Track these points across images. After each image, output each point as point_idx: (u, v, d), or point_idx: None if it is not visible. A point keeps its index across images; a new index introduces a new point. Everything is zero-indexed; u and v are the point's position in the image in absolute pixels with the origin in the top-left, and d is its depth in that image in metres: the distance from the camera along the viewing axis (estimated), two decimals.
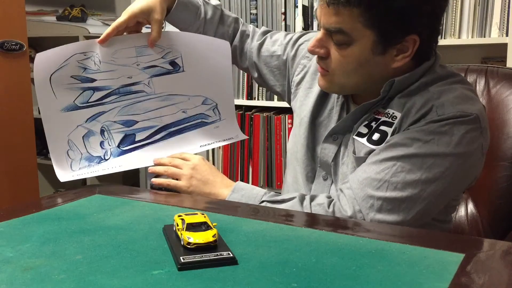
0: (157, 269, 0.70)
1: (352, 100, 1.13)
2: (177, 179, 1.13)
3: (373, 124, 1.04)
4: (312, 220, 0.93)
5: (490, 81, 1.31)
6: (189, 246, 0.74)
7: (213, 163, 2.94)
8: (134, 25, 1.17)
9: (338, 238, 0.81)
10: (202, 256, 0.72)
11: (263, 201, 1.04)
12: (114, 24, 1.14)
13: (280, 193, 1.11)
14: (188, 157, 1.16)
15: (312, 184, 1.14)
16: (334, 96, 1.15)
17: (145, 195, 1.12)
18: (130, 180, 3.83)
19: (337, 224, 0.92)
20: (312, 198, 1.01)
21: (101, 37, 1.13)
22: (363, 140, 1.03)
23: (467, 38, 2.23)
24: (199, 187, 1.11)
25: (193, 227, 0.77)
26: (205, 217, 0.80)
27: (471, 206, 1.31)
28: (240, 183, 1.10)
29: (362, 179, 0.97)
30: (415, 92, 1.01)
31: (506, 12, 2.13)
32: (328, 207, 0.98)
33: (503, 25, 2.14)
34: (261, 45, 1.31)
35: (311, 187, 1.14)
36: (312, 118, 1.16)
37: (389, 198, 0.95)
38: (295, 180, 1.19)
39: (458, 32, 2.24)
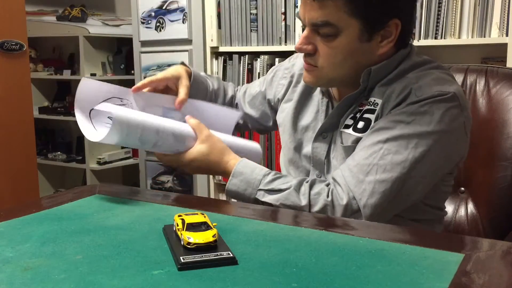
0: (157, 269, 0.70)
1: (335, 99, 1.16)
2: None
3: (358, 115, 1.07)
4: (312, 220, 0.93)
5: (490, 81, 1.31)
6: (189, 246, 0.74)
7: None
8: (162, 88, 1.22)
9: (338, 238, 0.81)
10: (202, 256, 0.72)
11: (260, 189, 1.03)
12: (149, 78, 1.20)
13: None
14: (182, 157, 1.11)
15: None
16: (317, 99, 1.18)
17: (145, 195, 1.12)
18: (130, 180, 3.83)
19: (337, 224, 0.92)
20: (311, 185, 1.01)
21: (136, 85, 1.19)
22: (349, 130, 1.07)
23: (467, 38, 2.23)
24: (200, 172, 1.16)
25: (193, 227, 0.77)
26: (205, 217, 0.80)
27: (471, 206, 1.31)
28: (240, 164, 1.07)
29: (352, 166, 1.00)
30: (394, 80, 1.05)
31: (506, 12, 2.13)
32: (328, 195, 0.99)
33: (503, 25, 2.14)
34: (244, 93, 1.38)
35: None
36: (293, 122, 1.20)
37: (379, 180, 0.97)
38: None
39: (458, 32, 2.24)
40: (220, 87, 1.38)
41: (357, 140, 1.04)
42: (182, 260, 0.70)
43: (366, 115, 1.05)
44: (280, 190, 1.02)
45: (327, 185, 1.02)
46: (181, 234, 0.76)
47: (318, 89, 1.19)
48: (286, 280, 0.66)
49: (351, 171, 1.00)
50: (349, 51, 1.03)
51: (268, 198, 1.02)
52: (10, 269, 0.70)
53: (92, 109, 1.13)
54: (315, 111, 1.18)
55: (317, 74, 1.07)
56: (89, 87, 1.14)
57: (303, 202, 0.99)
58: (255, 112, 1.35)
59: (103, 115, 1.12)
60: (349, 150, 1.05)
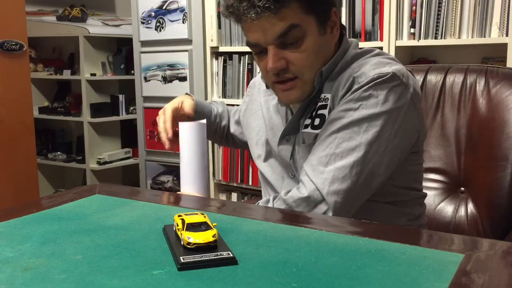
0: (157, 269, 0.70)
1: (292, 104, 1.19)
2: None
3: (314, 113, 1.11)
4: (312, 220, 0.93)
5: (490, 81, 1.31)
6: (189, 246, 0.74)
7: (213, 163, 2.94)
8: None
9: (338, 238, 0.81)
10: (202, 256, 0.72)
11: None
12: (168, 115, 1.25)
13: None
14: None
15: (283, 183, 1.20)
16: (282, 109, 1.21)
17: (145, 195, 1.12)
18: (130, 180, 3.83)
19: (337, 224, 0.92)
20: (275, 197, 1.08)
21: (167, 136, 1.23)
22: (308, 129, 1.10)
23: (467, 38, 2.23)
24: None
25: (193, 227, 0.77)
26: (205, 217, 0.80)
27: (471, 206, 1.31)
28: None
29: (312, 160, 1.05)
30: (339, 73, 1.10)
31: (506, 12, 2.13)
32: (285, 195, 1.05)
33: (503, 25, 2.14)
34: (237, 121, 1.43)
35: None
36: (269, 126, 1.23)
37: (338, 167, 1.01)
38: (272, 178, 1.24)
39: (458, 32, 2.24)
40: (224, 110, 1.44)
41: (316, 137, 1.08)
42: (182, 260, 0.70)
43: (320, 111, 1.09)
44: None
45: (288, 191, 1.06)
46: (181, 234, 0.76)
47: (275, 101, 1.22)
48: (286, 280, 0.66)
49: (312, 165, 1.04)
50: (317, 48, 1.07)
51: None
52: (10, 269, 0.70)
53: None
54: (281, 118, 1.21)
55: (300, 84, 1.09)
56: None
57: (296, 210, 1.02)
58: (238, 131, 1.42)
59: None
60: (311, 148, 1.08)
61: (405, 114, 1.04)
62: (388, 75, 1.03)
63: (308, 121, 1.11)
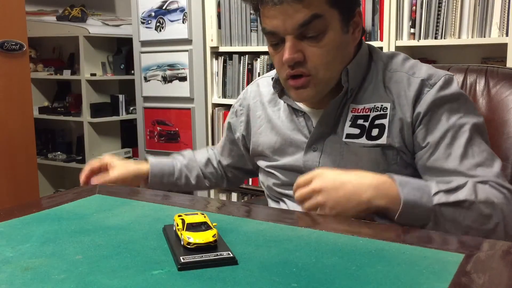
0: (157, 269, 0.70)
1: (310, 106, 1.13)
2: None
3: (365, 123, 1.06)
4: (312, 220, 0.93)
5: (490, 81, 1.31)
6: (189, 246, 0.74)
7: None
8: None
9: (338, 238, 0.81)
10: (202, 256, 0.72)
11: (437, 192, 0.94)
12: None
13: None
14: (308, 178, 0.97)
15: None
16: (283, 116, 1.17)
17: (145, 195, 1.12)
18: None
19: (337, 224, 0.91)
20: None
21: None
22: (362, 140, 1.05)
23: (467, 38, 2.23)
24: (344, 207, 0.92)
25: (193, 227, 0.77)
26: (205, 217, 0.80)
27: None
28: (395, 176, 0.95)
29: (461, 167, 0.99)
30: (383, 79, 1.07)
31: (506, 12, 2.13)
32: (495, 189, 0.97)
33: (503, 25, 2.14)
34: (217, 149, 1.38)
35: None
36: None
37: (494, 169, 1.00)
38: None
39: (458, 32, 2.24)
40: (191, 158, 1.37)
41: (377, 146, 1.04)
42: (182, 260, 0.70)
43: (378, 121, 1.05)
44: (457, 188, 0.95)
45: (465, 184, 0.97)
46: (181, 234, 0.76)
47: (282, 106, 1.18)
48: (286, 280, 0.66)
49: (470, 168, 0.99)
50: (337, 46, 1.03)
51: (452, 198, 0.93)
52: (10, 269, 0.70)
53: None
54: (289, 127, 1.15)
55: (314, 82, 1.04)
56: None
57: (500, 194, 0.96)
58: (232, 159, 1.35)
59: None
60: (365, 158, 1.05)
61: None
62: (453, 76, 1.06)
63: (354, 131, 1.06)
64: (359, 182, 0.93)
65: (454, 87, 1.05)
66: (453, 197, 0.93)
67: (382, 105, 1.05)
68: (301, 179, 0.96)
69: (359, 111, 1.07)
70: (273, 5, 0.98)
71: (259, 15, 1.06)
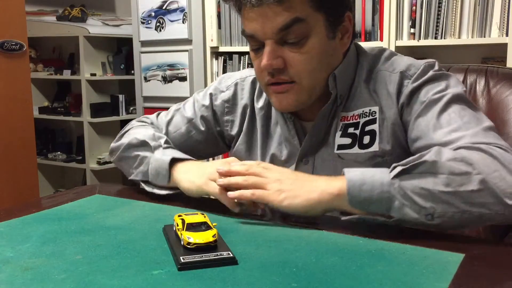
0: (157, 269, 0.70)
1: (298, 118, 1.06)
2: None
3: (356, 131, 1.01)
4: (312, 220, 0.93)
5: (490, 81, 1.31)
6: (189, 246, 0.74)
7: None
8: None
9: (338, 238, 0.81)
10: (202, 256, 0.72)
11: (394, 167, 0.82)
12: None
13: None
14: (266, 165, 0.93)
15: None
16: (277, 126, 1.09)
17: (145, 195, 1.12)
18: (130, 180, 3.83)
19: (337, 224, 0.91)
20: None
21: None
22: (354, 150, 1.00)
23: (467, 38, 2.23)
24: (294, 191, 0.85)
25: (193, 227, 0.77)
26: (205, 217, 0.80)
27: None
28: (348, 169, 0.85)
29: (444, 136, 0.91)
30: (368, 80, 1.02)
31: (506, 12, 2.13)
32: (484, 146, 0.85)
33: (503, 25, 2.14)
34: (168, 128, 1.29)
35: None
36: (262, 154, 1.11)
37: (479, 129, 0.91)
38: None
39: (458, 32, 2.24)
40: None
41: (372, 155, 0.98)
42: (182, 260, 0.70)
43: (368, 128, 1.00)
44: (419, 157, 0.81)
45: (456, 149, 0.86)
46: (181, 234, 0.76)
47: (274, 116, 1.10)
48: (286, 280, 0.66)
49: (452, 134, 0.90)
50: (321, 53, 0.96)
51: (410, 164, 0.81)
52: (10, 269, 0.70)
53: None
54: (277, 140, 1.09)
55: (297, 90, 0.97)
56: None
57: (476, 151, 0.83)
58: (183, 148, 1.15)
59: None
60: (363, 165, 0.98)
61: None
62: (436, 62, 1.01)
63: (346, 141, 1.01)
64: (308, 175, 0.90)
65: (435, 70, 0.99)
66: (411, 164, 0.81)
67: (370, 110, 1.00)
68: (236, 166, 0.91)
69: (349, 118, 1.01)
70: (252, 7, 0.93)
71: (241, 15, 1.00)
